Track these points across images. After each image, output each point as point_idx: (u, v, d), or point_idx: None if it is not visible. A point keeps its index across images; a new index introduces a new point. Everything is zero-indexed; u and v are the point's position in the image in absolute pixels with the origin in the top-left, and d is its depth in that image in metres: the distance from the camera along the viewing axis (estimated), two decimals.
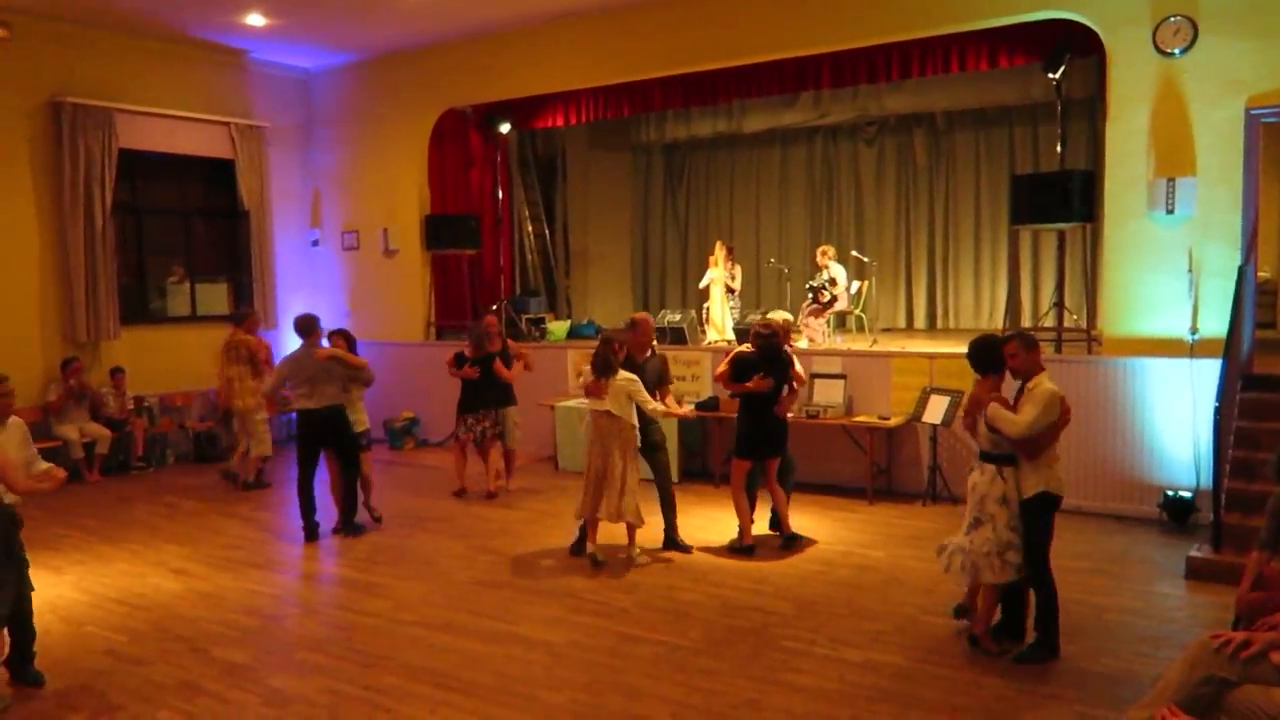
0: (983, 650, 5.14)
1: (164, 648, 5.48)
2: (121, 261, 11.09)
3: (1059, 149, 9.18)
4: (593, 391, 6.76)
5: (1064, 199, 8.27)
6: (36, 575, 6.78)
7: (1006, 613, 5.27)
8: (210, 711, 4.66)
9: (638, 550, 6.96)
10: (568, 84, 11.18)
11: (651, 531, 7.20)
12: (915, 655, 5.14)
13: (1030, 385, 5.05)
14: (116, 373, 10.56)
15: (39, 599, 6.31)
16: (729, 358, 7.18)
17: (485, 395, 8.89)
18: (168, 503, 9.07)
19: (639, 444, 6.92)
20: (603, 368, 6.71)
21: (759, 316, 10.41)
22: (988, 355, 5.20)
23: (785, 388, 7.05)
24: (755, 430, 7.06)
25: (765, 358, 6.96)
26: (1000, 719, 4.41)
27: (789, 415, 7.24)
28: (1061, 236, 9.42)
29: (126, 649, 5.48)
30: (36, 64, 10.17)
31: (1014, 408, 5.01)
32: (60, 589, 6.54)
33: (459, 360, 8.89)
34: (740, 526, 7.13)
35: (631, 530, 6.94)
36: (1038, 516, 5.04)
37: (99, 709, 4.71)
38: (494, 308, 11.89)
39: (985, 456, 5.15)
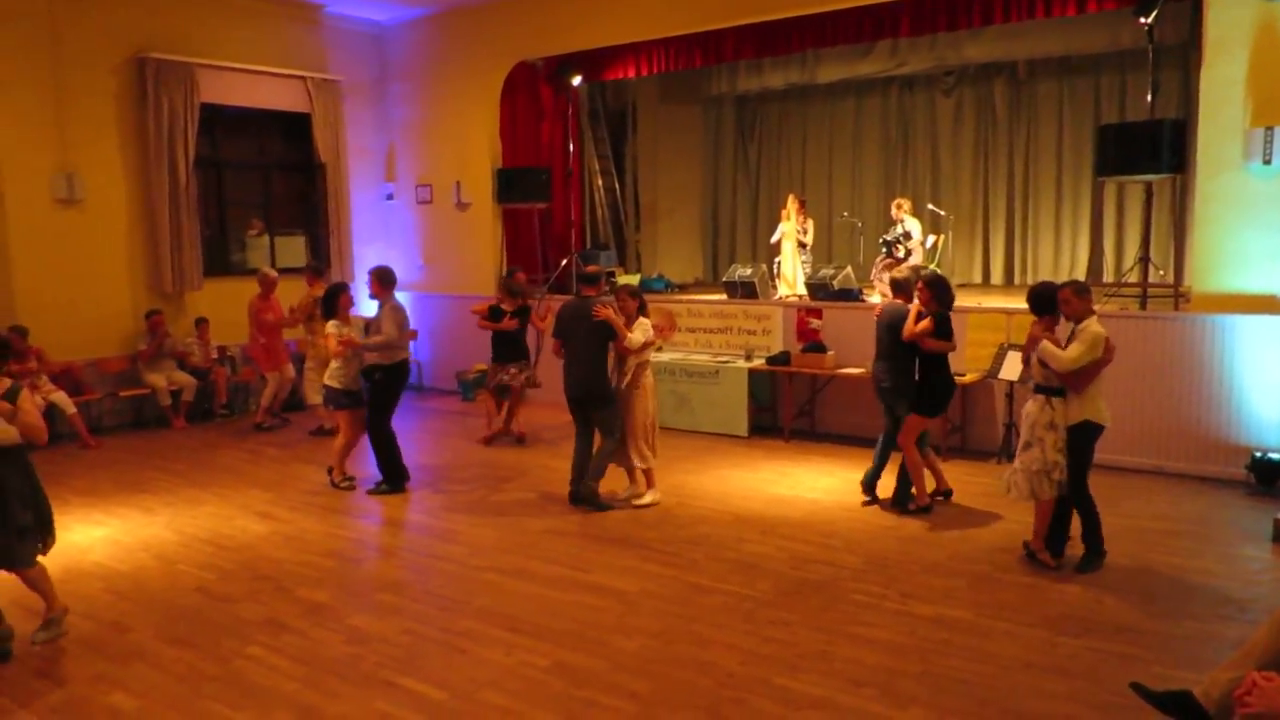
0: (1040, 563, 5.75)
1: (251, 586, 5.69)
2: (203, 215, 11.37)
3: (1149, 98, 8.82)
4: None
5: (1153, 150, 7.97)
6: (131, 515, 7.15)
7: (1053, 530, 5.81)
8: (295, 647, 4.84)
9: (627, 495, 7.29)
10: (638, 34, 11.07)
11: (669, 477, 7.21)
12: (988, 612, 5.11)
13: (1080, 326, 5.58)
14: (200, 323, 10.87)
15: (133, 535, 6.64)
16: (917, 313, 6.74)
17: (523, 346, 9.36)
18: (250, 449, 9.37)
19: (624, 386, 7.10)
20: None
21: (831, 271, 10.32)
22: (1043, 299, 5.77)
23: None
24: (948, 388, 6.92)
25: (948, 314, 6.82)
26: (1075, 678, 4.36)
27: None
28: (1149, 189, 9.09)
29: (216, 587, 5.71)
30: (121, 21, 10.40)
31: (1064, 346, 5.55)
32: (153, 529, 6.83)
33: (495, 313, 9.24)
34: (917, 487, 6.95)
35: (649, 474, 7.22)
36: (1080, 442, 5.62)
37: (192, 642, 4.93)
38: (563, 262, 11.96)
39: (1037, 388, 5.71)
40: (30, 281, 9.72)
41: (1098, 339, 5.47)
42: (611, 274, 12.33)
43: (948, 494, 7.20)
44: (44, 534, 4.90)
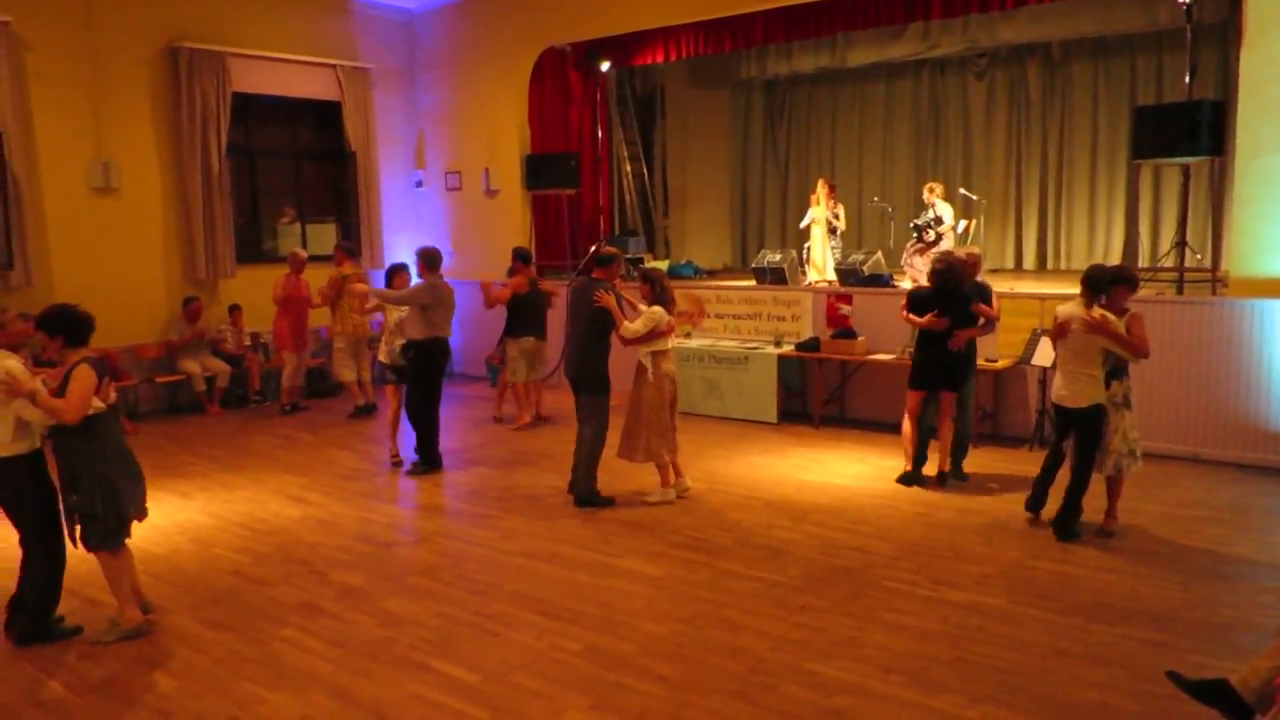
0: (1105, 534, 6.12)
1: (286, 570, 5.76)
2: (236, 203, 11.47)
3: (1187, 79, 8.66)
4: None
5: (1191, 131, 7.83)
6: (168, 499, 7.25)
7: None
8: (330, 630, 4.90)
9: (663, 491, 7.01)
10: (668, 19, 11.02)
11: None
12: (1020, 599, 5.07)
13: None
14: (234, 310, 10.99)
15: (169, 519, 6.74)
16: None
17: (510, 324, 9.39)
18: (284, 434, 9.46)
19: (646, 380, 6.81)
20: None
21: (861, 256, 10.26)
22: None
23: (974, 322, 7.10)
24: (923, 362, 7.13)
25: (940, 294, 6.96)
26: (1110, 666, 4.32)
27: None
28: (1186, 171, 8.94)
29: (251, 570, 5.78)
30: (155, 11, 10.50)
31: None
32: (189, 513, 6.93)
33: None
34: (906, 454, 7.28)
35: (662, 470, 6.99)
36: None
37: (229, 625, 5.00)
38: (592, 249, 11.96)
39: None
40: (68, 268, 9.85)
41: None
42: (640, 260, 12.32)
43: (914, 477, 7.25)
44: (95, 521, 4.76)
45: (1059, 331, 5.91)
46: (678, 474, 7.11)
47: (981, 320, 7.15)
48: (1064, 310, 5.92)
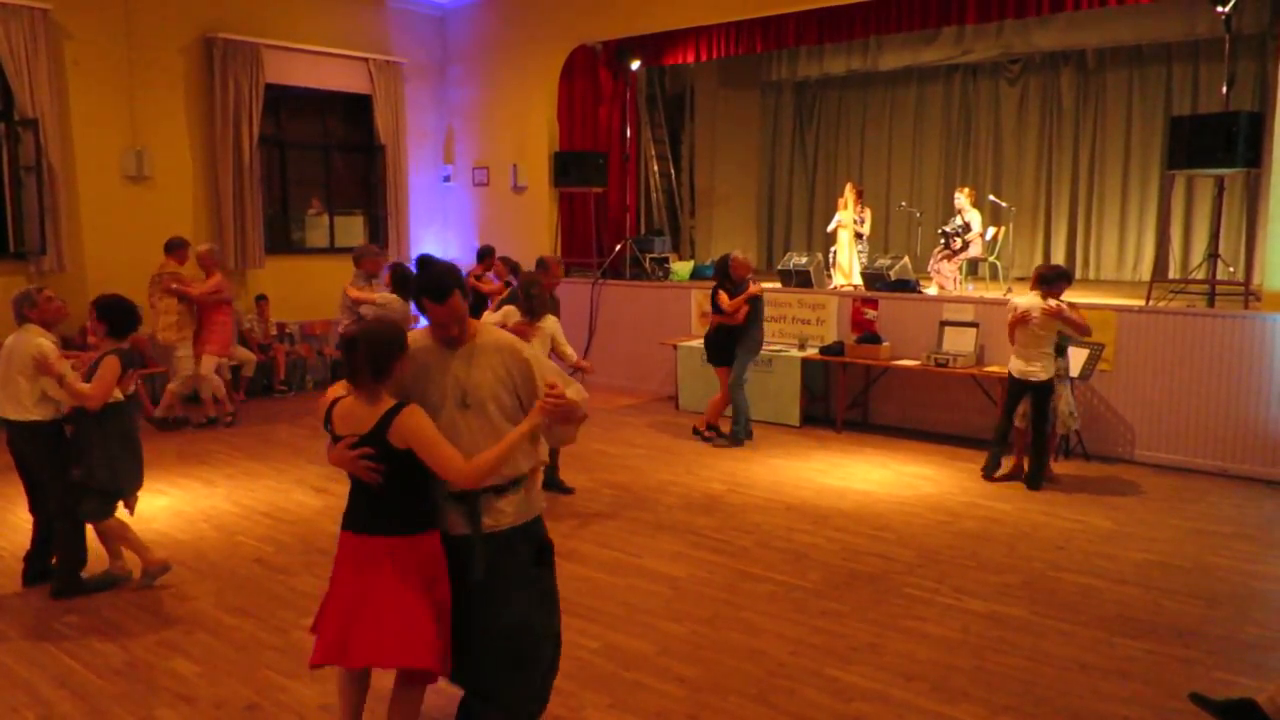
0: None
1: (307, 559, 5.79)
2: (266, 193, 11.55)
3: (1225, 89, 8.56)
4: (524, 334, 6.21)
5: (1228, 142, 7.73)
6: (193, 486, 7.31)
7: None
8: None
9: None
10: (700, 19, 11.00)
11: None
12: (1044, 610, 5.03)
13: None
14: (261, 300, 11.07)
15: (194, 506, 6.80)
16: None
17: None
18: (308, 425, 9.51)
19: None
20: (535, 310, 6.53)
21: (887, 261, 10.21)
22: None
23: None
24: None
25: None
26: (1134, 680, 4.28)
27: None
28: (1221, 183, 8.83)
29: (273, 558, 5.82)
30: (191, 1, 10.60)
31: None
32: (213, 500, 6.98)
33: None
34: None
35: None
36: None
37: (251, 612, 5.03)
38: (618, 248, 11.96)
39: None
40: (100, 255, 9.96)
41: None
42: (666, 260, 12.31)
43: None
44: (91, 494, 5.13)
45: (1021, 320, 6.98)
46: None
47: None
48: (1023, 302, 7.06)
